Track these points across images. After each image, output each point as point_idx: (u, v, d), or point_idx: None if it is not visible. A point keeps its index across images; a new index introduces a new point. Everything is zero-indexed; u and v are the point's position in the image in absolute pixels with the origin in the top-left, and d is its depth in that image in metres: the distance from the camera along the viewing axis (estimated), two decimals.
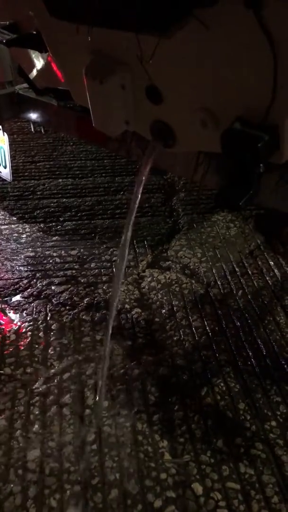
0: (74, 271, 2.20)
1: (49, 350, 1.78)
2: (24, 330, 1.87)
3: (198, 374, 1.69)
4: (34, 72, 1.72)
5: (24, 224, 2.55)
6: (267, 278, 2.16)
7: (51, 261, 2.27)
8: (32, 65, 1.69)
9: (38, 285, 2.11)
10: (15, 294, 2.05)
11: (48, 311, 1.96)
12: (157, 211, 2.68)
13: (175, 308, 1.99)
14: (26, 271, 2.19)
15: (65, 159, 3.25)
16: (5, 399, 1.59)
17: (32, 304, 2.00)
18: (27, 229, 2.50)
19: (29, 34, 1.36)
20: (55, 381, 1.66)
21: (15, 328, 1.87)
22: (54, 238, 2.44)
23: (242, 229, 2.52)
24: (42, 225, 2.54)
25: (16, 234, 2.46)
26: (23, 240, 2.41)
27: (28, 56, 1.65)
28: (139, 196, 1.17)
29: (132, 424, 1.52)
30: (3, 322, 1.90)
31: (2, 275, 2.16)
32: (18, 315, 1.94)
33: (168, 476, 1.38)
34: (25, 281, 2.13)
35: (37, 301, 2.01)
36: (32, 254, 2.31)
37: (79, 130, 1.88)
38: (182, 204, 2.75)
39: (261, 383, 1.66)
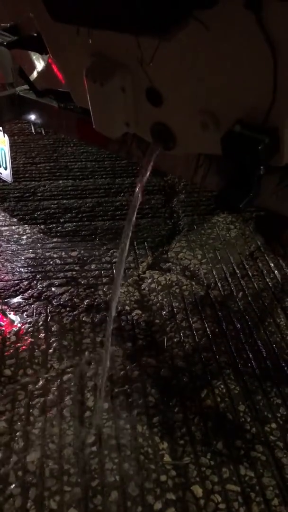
0: (74, 273, 2.20)
1: (49, 352, 1.77)
2: (24, 331, 1.87)
3: (198, 376, 1.69)
4: (35, 74, 1.72)
5: (25, 225, 2.55)
6: (268, 280, 2.16)
7: (51, 262, 2.27)
8: (33, 67, 1.69)
9: (39, 286, 2.11)
10: (16, 296, 2.05)
11: (48, 312, 1.96)
12: (158, 213, 2.68)
13: (175, 309, 1.98)
14: (27, 272, 2.19)
15: (66, 160, 3.25)
16: (5, 400, 1.59)
17: (33, 305, 2.00)
18: (28, 231, 2.50)
19: (30, 36, 1.36)
20: (55, 382, 1.65)
21: (16, 330, 1.87)
22: (54, 240, 2.44)
23: (242, 230, 2.51)
24: (42, 227, 2.54)
25: (16, 236, 2.46)
26: (23, 242, 2.41)
27: (29, 57, 1.66)
28: (140, 197, 1.17)
29: (132, 426, 1.51)
30: (4, 324, 1.90)
31: (2, 276, 2.16)
32: (18, 316, 1.94)
33: (168, 478, 1.38)
34: (25, 283, 2.13)
35: (37, 303, 2.01)
36: (32, 255, 2.31)
37: (79, 132, 1.88)
38: (182, 205, 2.75)
39: (261, 385, 1.66)
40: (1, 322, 1.91)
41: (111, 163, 3.21)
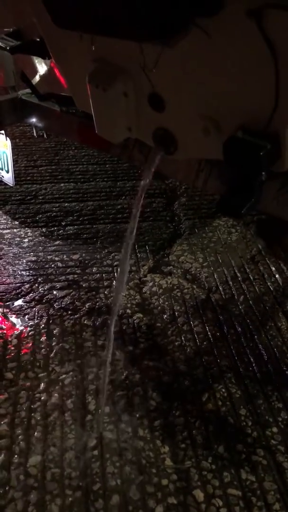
0: (76, 276, 2.20)
1: (51, 355, 1.78)
2: (25, 334, 1.87)
3: (199, 380, 1.69)
4: (37, 78, 1.73)
5: (26, 228, 2.56)
6: (269, 283, 2.16)
7: (53, 265, 2.27)
8: (35, 71, 1.70)
9: (40, 289, 2.11)
10: (17, 299, 2.06)
11: (49, 315, 1.97)
12: (159, 216, 2.69)
13: (176, 313, 1.99)
14: (28, 275, 2.20)
15: (67, 163, 3.26)
16: (6, 404, 1.59)
17: (34, 308, 2.00)
18: (29, 234, 2.51)
19: (33, 41, 1.37)
20: (57, 386, 1.66)
21: (17, 333, 1.87)
22: (56, 243, 2.45)
23: (243, 234, 2.52)
24: (44, 230, 2.55)
25: (18, 239, 2.46)
26: (25, 245, 2.42)
27: (31, 62, 1.66)
28: (141, 201, 1.17)
29: (134, 429, 1.52)
30: (5, 327, 1.90)
31: (4, 279, 2.16)
32: (20, 319, 1.95)
33: (170, 482, 1.38)
34: (27, 286, 2.13)
35: (38, 306, 2.02)
36: (34, 258, 2.31)
37: (81, 136, 1.88)
38: (183, 209, 2.75)
39: (262, 389, 1.66)
40: (3, 325, 1.91)
41: (113, 166, 3.22)
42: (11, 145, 2.24)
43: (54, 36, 1.11)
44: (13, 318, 1.95)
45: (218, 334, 1.89)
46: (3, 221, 2.61)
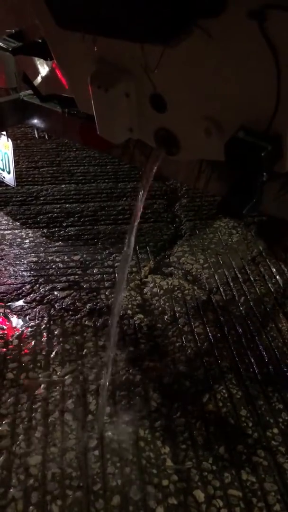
0: (76, 277, 2.21)
1: (52, 356, 1.78)
2: (26, 335, 1.87)
3: (200, 381, 1.69)
4: (39, 79, 1.73)
5: (27, 229, 2.56)
6: (269, 284, 2.17)
7: (54, 266, 2.27)
8: (37, 72, 1.71)
9: (41, 290, 2.11)
10: (18, 299, 2.06)
11: (50, 316, 1.97)
12: (160, 217, 2.69)
13: (177, 314, 1.99)
14: (29, 276, 2.20)
15: (68, 164, 3.26)
16: (7, 404, 1.59)
17: (35, 309, 2.01)
18: (30, 234, 2.51)
19: (35, 42, 1.38)
20: (58, 386, 1.66)
21: (18, 333, 1.88)
22: (57, 244, 2.45)
23: (244, 235, 2.52)
24: (45, 231, 2.55)
25: (19, 239, 2.47)
26: (26, 245, 2.42)
27: (33, 63, 1.67)
28: (143, 202, 1.18)
29: (134, 430, 1.52)
30: (6, 327, 1.91)
31: (5, 280, 2.17)
32: (20, 320, 1.95)
33: (170, 483, 1.38)
34: (27, 286, 2.13)
35: (39, 306, 2.02)
36: (35, 259, 2.32)
37: (82, 137, 1.89)
38: (184, 210, 2.76)
39: (263, 390, 1.66)
40: (4, 326, 1.92)
41: (114, 167, 3.22)
42: (13, 146, 2.24)
43: (56, 37, 1.12)
44: (14, 319, 1.95)
45: (218, 335, 1.89)
46: (4, 222, 2.62)
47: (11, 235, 2.50)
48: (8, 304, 2.03)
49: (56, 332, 1.89)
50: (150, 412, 1.58)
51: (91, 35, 1.00)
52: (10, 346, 1.81)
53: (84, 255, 2.35)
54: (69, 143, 3.49)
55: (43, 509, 1.31)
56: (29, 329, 1.90)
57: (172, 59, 0.91)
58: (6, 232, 2.53)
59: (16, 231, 2.54)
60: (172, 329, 1.91)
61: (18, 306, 2.02)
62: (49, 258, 2.33)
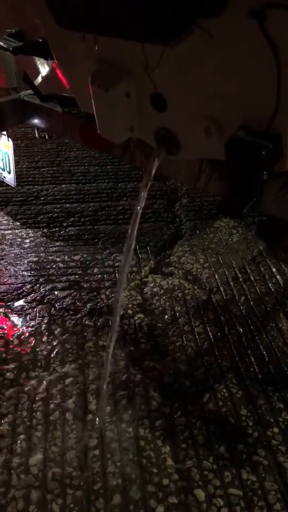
0: (77, 276, 2.21)
1: (52, 355, 1.78)
2: (27, 334, 1.87)
3: (200, 380, 1.69)
4: (39, 79, 1.73)
5: (28, 229, 2.56)
6: (270, 284, 2.17)
7: (54, 266, 2.27)
8: (37, 72, 1.71)
9: (41, 290, 2.12)
10: (18, 299, 2.06)
11: (51, 316, 1.97)
12: (160, 217, 2.69)
13: (177, 314, 1.99)
14: (29, 276, 2.20)
15: (69, 164, 3.27)
16: (8, 403, 1.59)
17: (35, 309, 2.01)
18: (31, 234, 2.51)
19: (35, 42, 1.38)
20: (58, 386, 1.66)
21: (18, 333, 1.88)
22: (57, 243, 2.45)
23: (244, 235, 2.52)
24: (45, 230, 2.55)
25: (19, 239, 2.47)
26: (26, 245, 2.42)
27: (34, 63, 1.67)
28: (144, 201, 1.18)
29: (135, 429, 1.52)
30: (6, 327, 1.91)
31: (5, 280, 2.17)
32: (21, 319, 1.95)
33: (171, 482, 1.38)
34: (28, 286, 2.13)
35: (40, 306, 2.02)
36: (35, 259, 2.32)
37: (83, 136, 1.89)
38: (184, 210, 2.76)
39: (263, 389, 1.66)
40: (4, 326, 1.92)
41: (114, 167, 3.22)
42: (13, 146, 2.25)
43: (56, 36, 1.12)
44: (15, 318, 1.95)
45: (219, 334, 1.89)
46: (4, 222, 2.62)
47: (11, 235, 2.50)
48: (9, 303, 2.03)
49: (56, 331, 1.89)
50: (150, 411, 1.58)
51: (91, 34, 1.00)
52: (10, 346, 1.82)
53: (85, 255, 2.36)
54: (70, 143, 3.49)
55: (43, 508, 1.31)
56: (30, 328, 1.90)
57: (173, 59, 0.91)
58: (6, 232, 2.53)
59: (16, 231, 2.54)
60: (172, 328, 1.92)
61: (19, 305, 2.02)
62: (50, 258, 2.33)
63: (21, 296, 2.08)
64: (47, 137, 3.59)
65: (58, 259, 2.32)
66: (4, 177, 2.37)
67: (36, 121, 2.10)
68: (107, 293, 2.10)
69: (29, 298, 2.07)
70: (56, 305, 2.02)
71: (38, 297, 2.07)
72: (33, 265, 2.27)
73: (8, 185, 2.42)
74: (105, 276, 2.22)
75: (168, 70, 0.94)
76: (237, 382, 1.69)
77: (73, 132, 1.92)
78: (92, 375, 1.70)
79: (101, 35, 0.96)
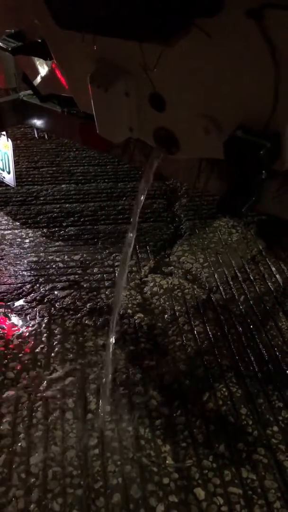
0: (77, 276, 2.21)
1: (52, 355, 1.78)
2: (27, 334, 1.88)
3: (200, 379, 1.70)
4: (38, 79, 1.73)
5: (27, 229, 2.56)
6: (269, 283, 2.17)
7: (54, 266, 2.28)
8: (36, 72, 1.71)
9: (41, 290, 2.12)
10: (18, 299, 2.06)
11: (51, 315, 1.97)
12: (159, 217, 2.69)
13: (177, 313, 1.99)
14: (29, 276, 2.21)
15: (68, 164, 3.27)
16: (8, 403, 1.60)
17: (35, 308, 2.01)
18: (30, 234, 2.52)
19: (34, 42, 1.38)
20: (58, 385, 1.66)
21: (18, 333, 1.88)
22: (57, 243, 2.45)
23: (244, 234, 2.53)
24: (45, 230, 2.56)
25: (19, 239, 2.47)
26: (26, 245, 2.43)
27: (33, 63, 1.67)
28: (142, 201, 1.18)
29: (135, 428, 1.52)
30: (6, 327, 1.91)
31: (5, 280, 2.17)
32: (21, 319, 1.95)
33: (171, 481, 1.38)
34: (28, 286, 2.14)
35: (40, 306, 2.02)
36: (35, 259, 2.32)
37: (82, 136, 1.89)
38: (184, 209, 2.76)
39: (263, 388, 1.67)
40: (4, 325, 1.92)
41: (113, 167, 3.23)
42: (13, 146, 2.25)
43: (55, 37, 1.12)
44: (15, 318, 1.96)
45: (218, 333, 1.89)
46: (4, 222, 2.62)
47: (11, 235, 2.50)
48: (9, 303, 2.03)
49: (56, 331, 1.89)
50: (150, 410, 1.58)
51: (90, 35, 1.00)
52: (10, 346, 1.82)
53: (84, 255, 2.36)
54: (69, 143, 3.50)
55: (44, 507, 1.32)
56: (30, 328, 1.91)
57: (171, 58, 0.92)
58: (6, 232, 2.53)
59: (16, 231, 2.55)
60: (172, 328, 1.92)
61: (19, 305, 2.03)
62: (49, 257, 2.33)
63: (21, 296, 2.08)
64: (46, 137, 3.59)
65: (58, 259, 2.32)
66: (4, 177, 2.37)
67: (35, 121, 2.10)
68: (106, 292, 2.11)
69: (29, 298, 2.07)
70: (56, 305, 2.03)
71: (38, 297, 2.08)
72: (33, 265, 2.28)
73: (7, 185, 2.42)
74: (104, 276, 2.22)
75: (166, 70, 0.94)
76: (237, 381, 1.69)
77: (72, 132, 1.92)
78: (92, 374, 1.70)
79: (100, 35, 0.96)
